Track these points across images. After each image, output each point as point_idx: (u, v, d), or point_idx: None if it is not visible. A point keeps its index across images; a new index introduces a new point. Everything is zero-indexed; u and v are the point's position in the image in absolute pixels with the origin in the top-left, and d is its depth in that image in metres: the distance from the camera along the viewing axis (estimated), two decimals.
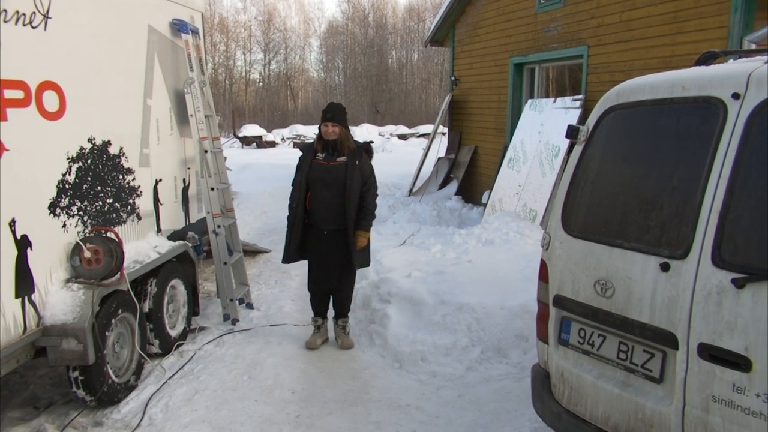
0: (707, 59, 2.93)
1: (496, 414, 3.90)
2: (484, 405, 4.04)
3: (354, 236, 4.67)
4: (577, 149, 2.95)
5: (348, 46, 56.63)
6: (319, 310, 5.07)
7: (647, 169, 2.63)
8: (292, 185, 4.81)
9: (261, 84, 57.45)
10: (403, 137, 34.46)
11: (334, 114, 4.62)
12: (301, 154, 4.81)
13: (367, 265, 5.01)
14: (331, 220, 4.67)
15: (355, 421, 3.87)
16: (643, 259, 2.49)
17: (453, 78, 11.87)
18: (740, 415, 2.16)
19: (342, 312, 5.08)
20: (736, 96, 2.30)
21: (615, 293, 2.61)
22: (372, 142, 5.00)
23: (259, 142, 32.11)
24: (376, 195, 4.80)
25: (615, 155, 2.81)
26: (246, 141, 32.13)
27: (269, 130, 36.07)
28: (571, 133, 3.01)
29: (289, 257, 4.87)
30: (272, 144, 32.35)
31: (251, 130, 33.44)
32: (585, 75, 8.22)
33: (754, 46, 5.36)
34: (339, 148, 4.63)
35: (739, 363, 2.15)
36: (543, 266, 3.06)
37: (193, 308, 5.30)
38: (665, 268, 2.40)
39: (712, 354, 2.24)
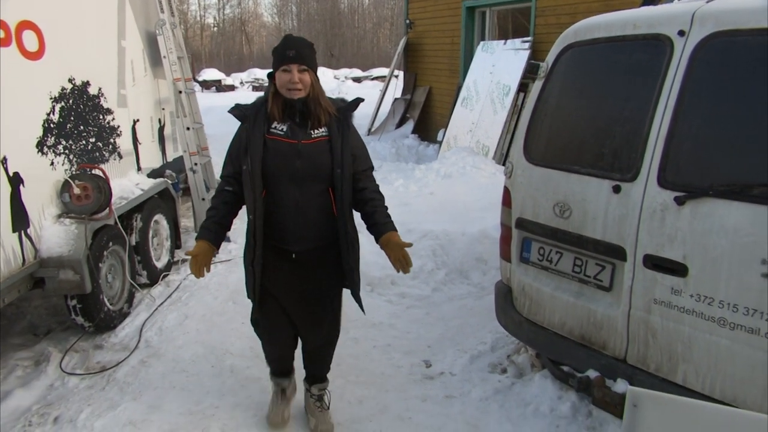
0: (654, 0, 3.03)
1: (461, 328, 4.10)
2: (450, 321, 4.24)
3: (393, 244, 2.52)
4: (537, 84, 3.03)
5: None
6: (280, 367, 2.95)
7: (602, 101, 2.74)
8: (223, 178, 2.59)
9: (216, 29, 55.08)
10: (357, 80, 33.88)
11: (301, 51, 2.41)
12: (240, 124, 2.53)
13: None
14: (304, 236, 2.55)
15: None
16: (597, 183, 2.63)
17: (408, 21, 11.70)
18: (676, 314, 2.38)
19: (320, 372, 2.99)
20: (681, 33, 2.40)
21: (572, 214, 2.76)
22: (362, 100, 2.63)
23: (219, 86, 31.14)
24: None
25: (572, 89, 2.91)
26: (206, 85, 31.08)
27: (227, 75, 34.95)
28: (532, 69, 3.11)
29: (258, 298, 2.66)
30: (231, 87, 31.42)
31: (210, 74, 32.38)
32: (533, 18, 8.25)
33: None
34: (313, 112, 2.47)
35: (677, 269, 2.35)
36: (506, 193, 3.18)
37: (176, 242, 5.30)
38: (617, 190, 2.54)
39: (654, 263, 2.43)
